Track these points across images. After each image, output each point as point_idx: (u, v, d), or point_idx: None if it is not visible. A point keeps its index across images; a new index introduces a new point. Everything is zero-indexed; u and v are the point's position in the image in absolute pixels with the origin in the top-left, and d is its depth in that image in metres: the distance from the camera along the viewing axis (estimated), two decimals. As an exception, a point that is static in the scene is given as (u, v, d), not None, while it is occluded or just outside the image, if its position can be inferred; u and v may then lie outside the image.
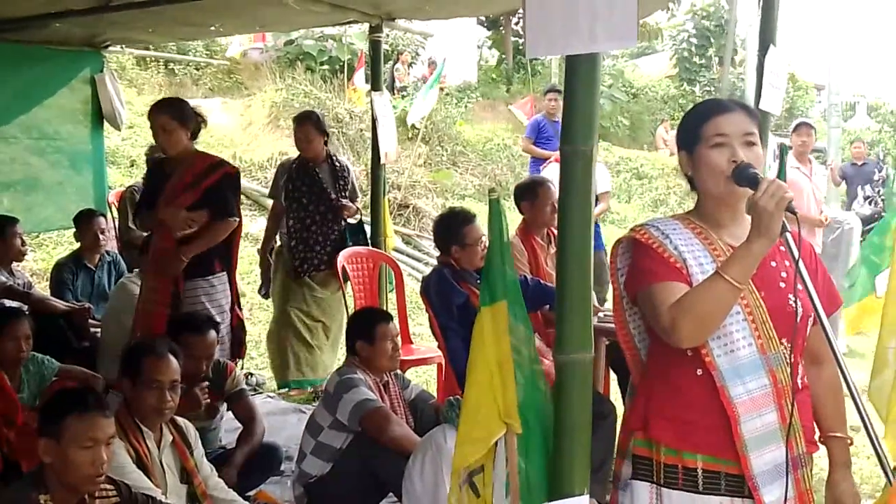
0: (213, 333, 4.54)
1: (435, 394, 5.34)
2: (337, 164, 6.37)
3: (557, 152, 8.25)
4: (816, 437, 2.42)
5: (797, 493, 2.29)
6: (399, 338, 4.64)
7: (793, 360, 2.30)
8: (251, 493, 4.35)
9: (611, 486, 2.50)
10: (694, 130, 2.34)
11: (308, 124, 6.22)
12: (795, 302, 2.28)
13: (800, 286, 2.31)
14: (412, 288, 8.61)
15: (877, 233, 5.55)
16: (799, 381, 2.34)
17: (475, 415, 2.26)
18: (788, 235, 2.15)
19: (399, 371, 4.71)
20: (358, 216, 6.50)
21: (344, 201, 6.25)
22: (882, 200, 11.72)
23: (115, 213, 7.49)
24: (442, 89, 15.25)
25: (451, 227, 4.92)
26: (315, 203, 6.23)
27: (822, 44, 18.91)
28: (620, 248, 2.43)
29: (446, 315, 4.84)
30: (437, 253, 5.50)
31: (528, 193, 5.36)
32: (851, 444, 2.50)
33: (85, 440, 2.93)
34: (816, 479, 2.40)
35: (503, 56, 22.57)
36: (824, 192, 7.85)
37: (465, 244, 4.84)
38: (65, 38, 6.94)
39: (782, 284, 2.32)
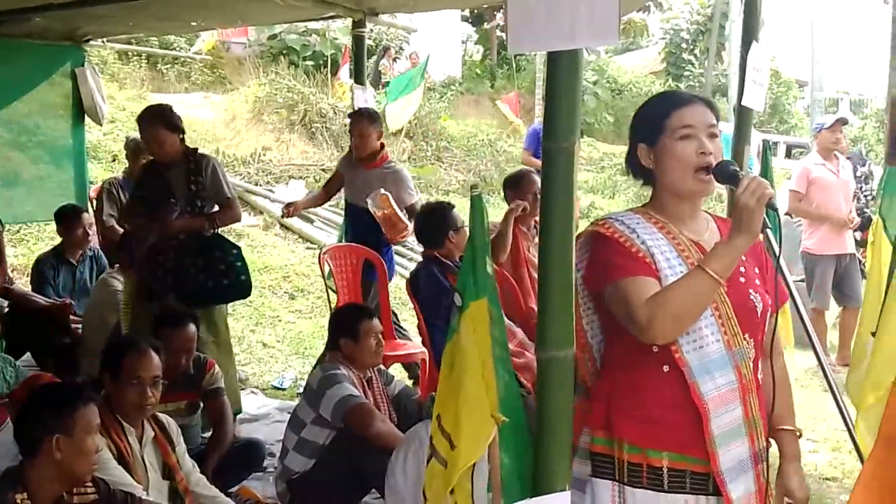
0: (192, 327, 4.53)
1: (418, 390, 5.34)
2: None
3: None
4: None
5: (757, 486, 2.30)
6: (382, 333, 4.64)
7: (754, 355, 2.31)
8: (233, 489, 4.33)
9: None
10: (656, 122, 2.33)
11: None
12: (755, 297, 2.30)
13: (758, 282, 2.33)
14: (396, 283, 8.60)
15: None
16: (759, 377, 2.35)
17: (476, 413, 2.24)
18: (769, 231, 2.16)
19: (382, 366, 4.71)
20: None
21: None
22: (864, 196, 11.76)
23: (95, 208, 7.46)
24: (426, 85, 15.22)
25: (441, 216, 4.96)
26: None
27: (805, 40, 18.98)
28: (580, 241, 2.37)
29: (434, 312, 4.82)
30: (420, 248, 5.52)
31: (514, 184, 5.43)
32: (800, 436, 2.50)
33: (94, 429, 3.02)
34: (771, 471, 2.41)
35: (488, 51, 22.57)
36: (791, 185, 7.68)
37: (459, 229, 4.88)
38: (45, 31, 6.89)
39: (742, 279, 2.33)
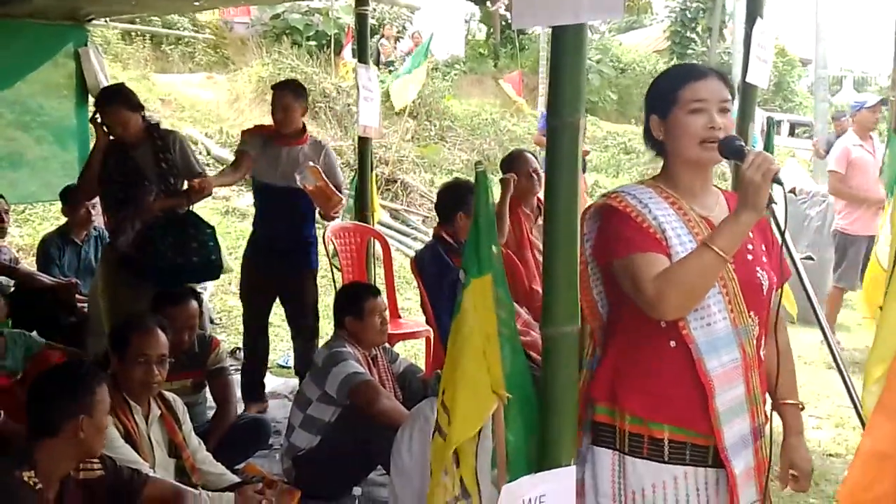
0: (193, 303, 4.54)
1: (423, 367, 5.36)
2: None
3: None
4: (768, 407, 2.43)
5: (756, 462, 2.33)
6: (387, 312, 4.65)
7: (758, 332, 2.32)
8: (239, 466, 4.35)
9: None
10: (669, 95, 2.32)
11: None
12: (762, 274, 2.31)
13: (764, 259, 2.34)
14: (400, 262, 8.62)
15: None
16: (762, 354, 2.36)
17: (474, 388, 2.25)
18: (774, 207, 2.15)
19: (387, 345, 4.73)
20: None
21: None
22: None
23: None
24: (430, 66, 15.20)
25: (459, 194, 4.85)
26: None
27: (809, 18, 18.89)
28: (589, 213, 2.39)
29: (438, 291, 4.84)
30: (424, 228, 5.51)
31: (508, 164, 5.41)
32: (803, 409, 2.52)
33: (108, 408, 3.08)
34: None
35: (491, 31, 22.48)
36: (830, 165, 7.59)
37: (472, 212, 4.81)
38: (47, 11, 6.87)
39: (749, 257, 2.33)
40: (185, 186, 5.13)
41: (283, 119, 5.36)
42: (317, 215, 5.52)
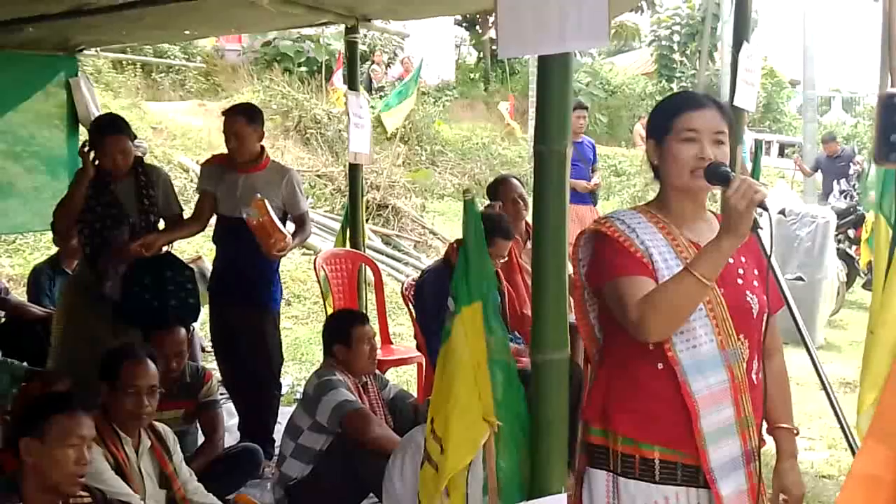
0: (182, 331, 4.54)
1: (415, 393, 5.34)
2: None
3: (583, 181, 8.11)
4: (763, 430, 2.44)
5: (750, 485, 2.32)
6: (378, 338, 4.63)
7: (748, 355, 2.33)
8: (231, 496, 4.33)
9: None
10: (665, 122, 2.35)
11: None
12: (752, 298, 2.33)
13: (756, 283, 2.35)
14: (392, 288, 8.61)
15: None
16: (754, 377, 2.36)
17: (467, 416, 2.25)
18: (760, 233, 2.17)
19: (378, 371, 4.72)
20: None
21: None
22: (858, 195, 11.79)
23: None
24: (420, 90, 15.24)
25: (492, 225, 4.45)
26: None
27: (797, 39, 19.02)
28: (583, 239, 2.43)
29: (435, 316, 4.79)
30: (415, 252, 5.50)
31: (494, 190, 5.44)
32: (797, 434, 2.53)
33: (72, 438, 2.94)
34: (766, 469, 2.42)
35: (482, 56, 22.59)
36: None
37: (497, 244, 4.60)
38: (38, 42, 6.88)
39: (740, 281, 2.35)
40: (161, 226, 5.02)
41: (237, 147, 5.04)
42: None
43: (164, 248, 4.98)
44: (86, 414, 3.02)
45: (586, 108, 9.84)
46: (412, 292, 5.33)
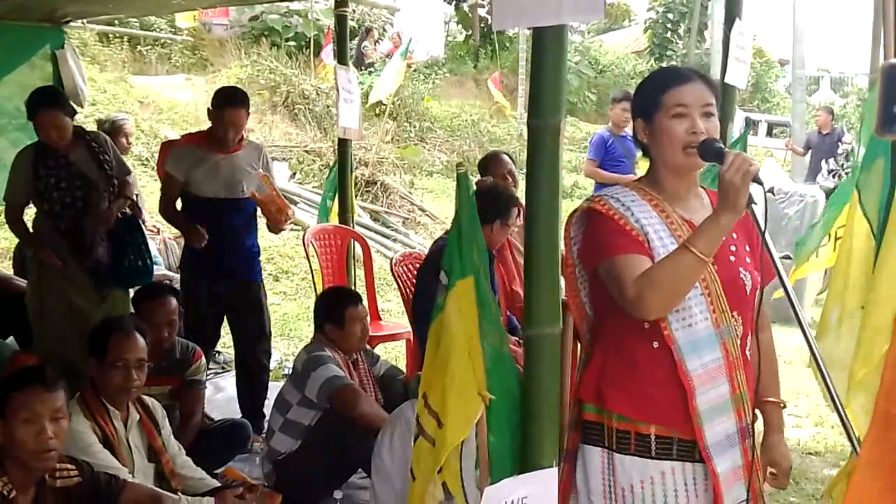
0: (172, 300, 4.51)
1: (404, 369, 5.34)
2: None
3: (631, 175, 7.93)
4: None
5: (745, 461, 2.33)
6: (368, 318, 4.62)
7: (742, 332, 2.33)
8: (219, 470, 4.33)
9: None
10: (653, 99, 2.33)
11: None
12: (745, 275, 2.33)
13: (748, 259, 2.35)
14: (380, 264, 8.60)
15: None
16: (748, 353, 2.37)
17: (463, 391, 2.24)
18: (754, 207, 2.16)
19: (368, 347, 4.71)
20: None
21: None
22: (846, 174, 11.81)
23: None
24: (409, 66, 15.16)
25: (500, 201, 4.60)
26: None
27: (787, 18, 19.01)
28: (575, 217, 2.41)
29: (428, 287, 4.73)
30: (403, 229, 5.48)
31: (484, 166, 5.43)
32: (784, 407, 2.54)
33: (26, 414, 2.92)
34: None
35: (470, 32, 22.49)
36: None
37: (506, 225, 4.64)
38: (23, 13, 6.81)
39: (732, 258, 2.35)
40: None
41: (234, 137, 4.98)
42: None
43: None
44: (46, 388, 2.97)
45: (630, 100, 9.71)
46: (420, 262, 5.29)
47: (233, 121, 4.91)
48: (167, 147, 5.46)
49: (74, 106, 5.22)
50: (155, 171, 8.31)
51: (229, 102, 4.95)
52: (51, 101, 4.84)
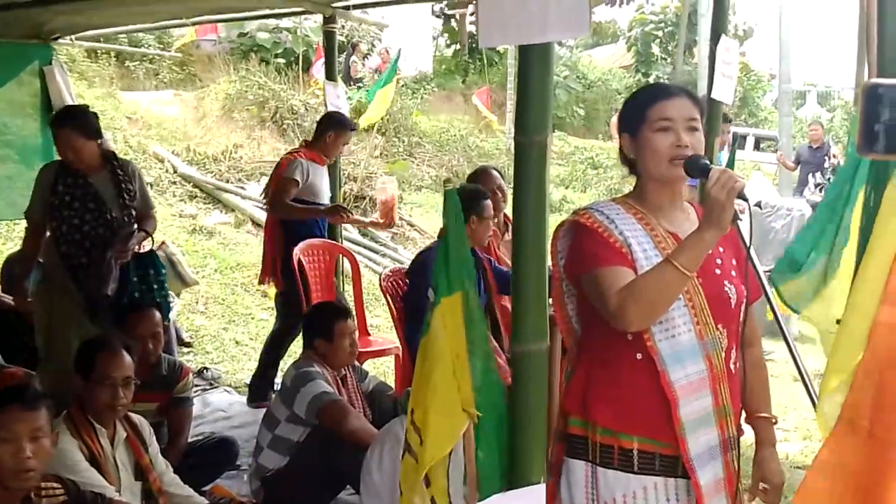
0: (156, 314, 4.51)
1: (393, 385, 5.33)
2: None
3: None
4: (741, 419, 2.45)
5: (726, 474, 2.33)
6: (356, 334, 4.62)
7: (726, 345, 2.34)
8: (207, 487, 4.31)
9: None
10: (638, 114, 2.35)
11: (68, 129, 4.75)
12: (730, 288, 2.33)
13: (734, 273, 2.36)
14: (369, 279, 8.59)
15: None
16: (732, 367, 2.37)
17: (445, 408, 2.25)
18: (739, 224, 2.17)
19: (356, 363, 4.70)
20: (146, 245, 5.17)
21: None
22: (832, 188, 11.84)
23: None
24: (398, 81, 15.19)
25: (469, 196, 4.55)
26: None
27: (773, 33, 19.11)
28: (562, 231, 2.42)
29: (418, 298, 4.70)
30: (392, 244, 5.48)
31: (472, 181, 5.40)
32: (776, 423, 2.54)
33: (3, 434, 2.88)
34: (744, 459, 2.43)
35: (458, 47, 22.56)
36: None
37: (483, 219, 4.67)
38: (11, 29, 6.81)
39: (718, 271, 2.36)
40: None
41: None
42: None
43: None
44: (25, 408, 2.94)
45: (730, 121, 9.44)
46: (405, 272, 5.30)
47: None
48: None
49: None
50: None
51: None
52: (65, 120, 4.77)
